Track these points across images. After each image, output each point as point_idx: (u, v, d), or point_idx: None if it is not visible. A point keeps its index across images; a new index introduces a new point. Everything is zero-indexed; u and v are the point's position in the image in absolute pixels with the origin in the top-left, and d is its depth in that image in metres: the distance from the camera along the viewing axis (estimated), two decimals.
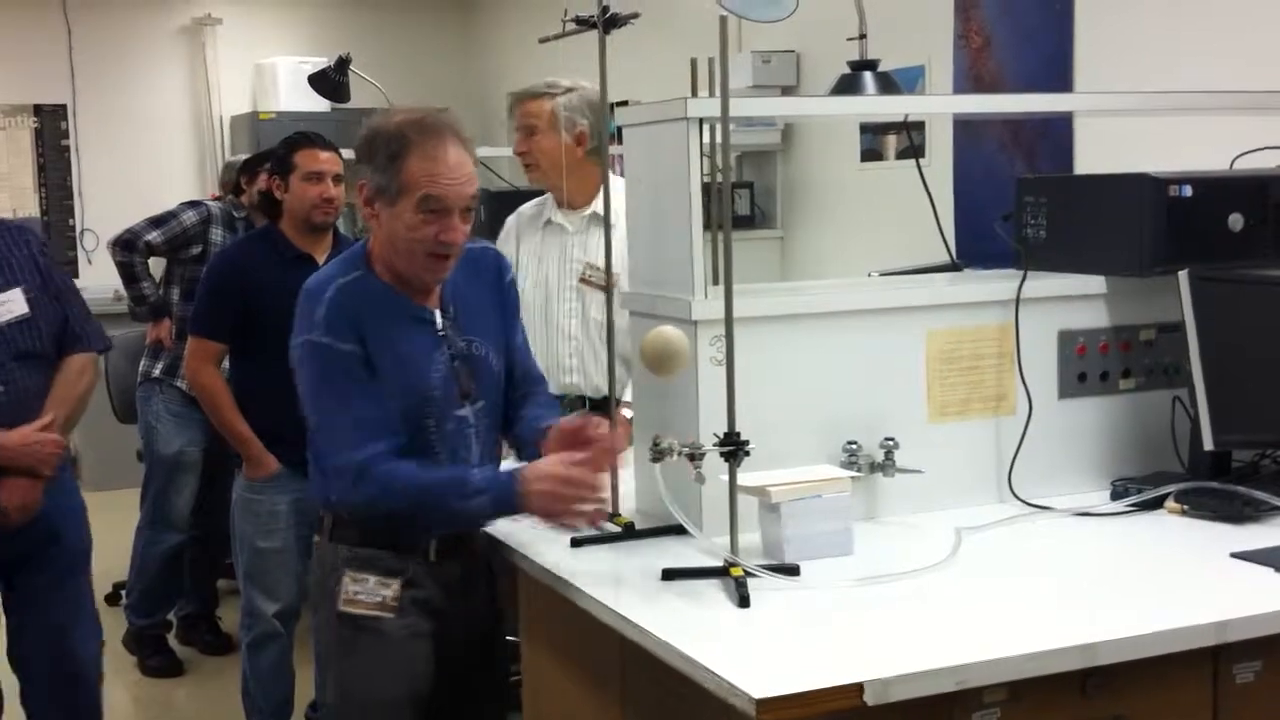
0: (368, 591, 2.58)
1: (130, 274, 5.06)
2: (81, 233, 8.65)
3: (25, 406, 3.18)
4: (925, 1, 4.99)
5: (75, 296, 3.43)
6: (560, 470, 2.37)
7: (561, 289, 3.62)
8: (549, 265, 3.66)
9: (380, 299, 2.51)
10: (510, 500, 2.40)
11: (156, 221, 5.04)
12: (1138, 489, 2.75)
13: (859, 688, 1.86)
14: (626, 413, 3.01)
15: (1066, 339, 2.87)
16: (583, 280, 3.57)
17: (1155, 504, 2.71)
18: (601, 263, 3.00)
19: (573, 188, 3.57)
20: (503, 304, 2.69)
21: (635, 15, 2.68)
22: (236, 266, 3.95)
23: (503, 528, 2.72)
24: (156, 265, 5.16)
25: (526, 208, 3.82)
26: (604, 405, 2.99)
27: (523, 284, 3.68)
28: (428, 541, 2.60)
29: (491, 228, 5.87)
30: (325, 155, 3.99)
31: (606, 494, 2.47)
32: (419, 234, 2.44)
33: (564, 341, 3.62)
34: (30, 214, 8.57)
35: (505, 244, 3.78)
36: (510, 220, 3.83)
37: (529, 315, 3.67)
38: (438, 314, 2.56)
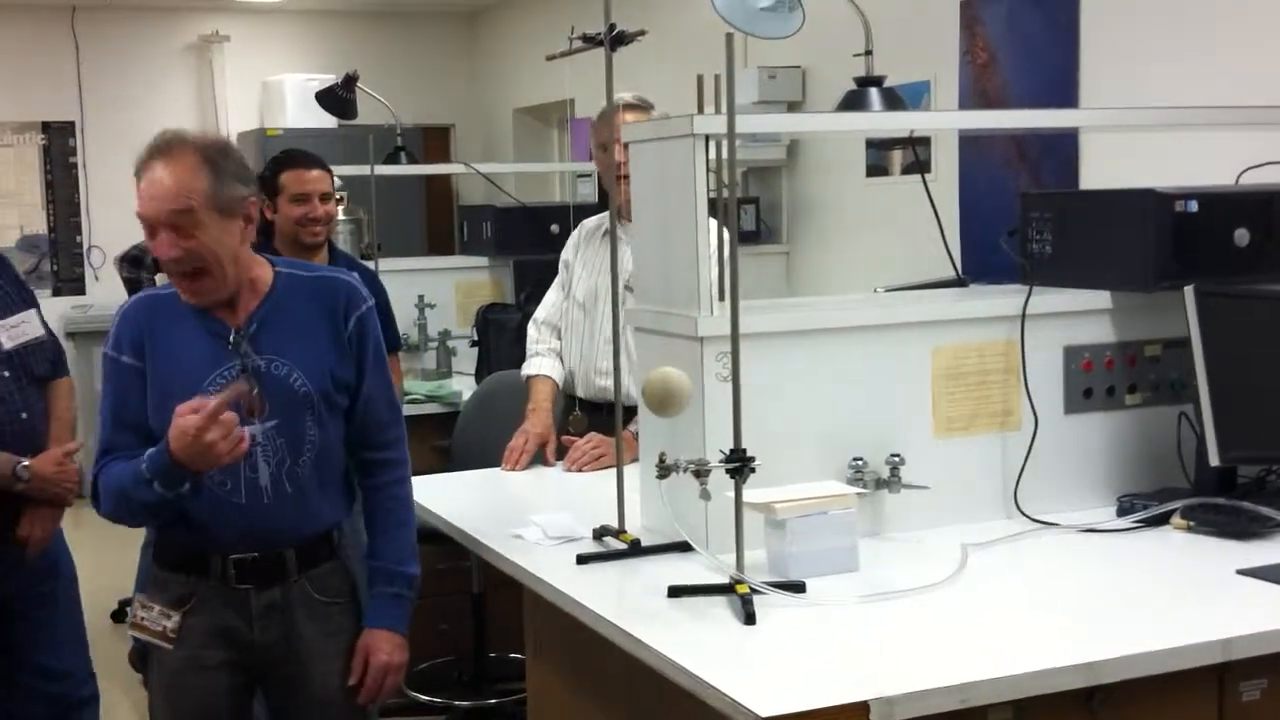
0: (151, 619, 2.55)
1: (137, 290, 5.05)
2: (89, 249, 8.67)
3: (39, 433, 3.16)
4: (930, 17, 5.00)
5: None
6: (188, 421, 2.31)
7: (608, 296, 3.64)
8: (600, 274, 3.69)
9: (176, 311, 2.51)
10: (167, 468, 2.36)
11: None
12: (1144, 505, 2.74)
13: (864, 706, 1.85)
14: (632, 428, 3.01)
15: (1072, 354, 2.87)
16: (627, 288, 3.60)
17: (1161, 520, 2.71)
18: None
19: None
20: (336, 338, 2.55)
21: (642, 32, 2.70)
22: None
23: (506, 546, 2.72)
24: (164, 280, 5.16)
25: (590, 221, 3.86)
26: (633, 410, 2.98)
27: (575, 292, 3.74)
28: (220, 564, 2.53)
29: (498, 243, 5.93)
30: (312, 174, 3.98)
31: (239, 429, 2.36)
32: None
33: (605, 347, 3.61)
34: (38, 231, 8.60)
35: (567, 253, 3.84)
36: (574, 233, 3.87)
37: (575, 322, 3.70)
38: (234, 330, 2.50)
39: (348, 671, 2.62)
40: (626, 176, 3.61)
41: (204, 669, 2.55)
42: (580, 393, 3.71)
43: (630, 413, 3.03)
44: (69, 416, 3.28)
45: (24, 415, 3.10)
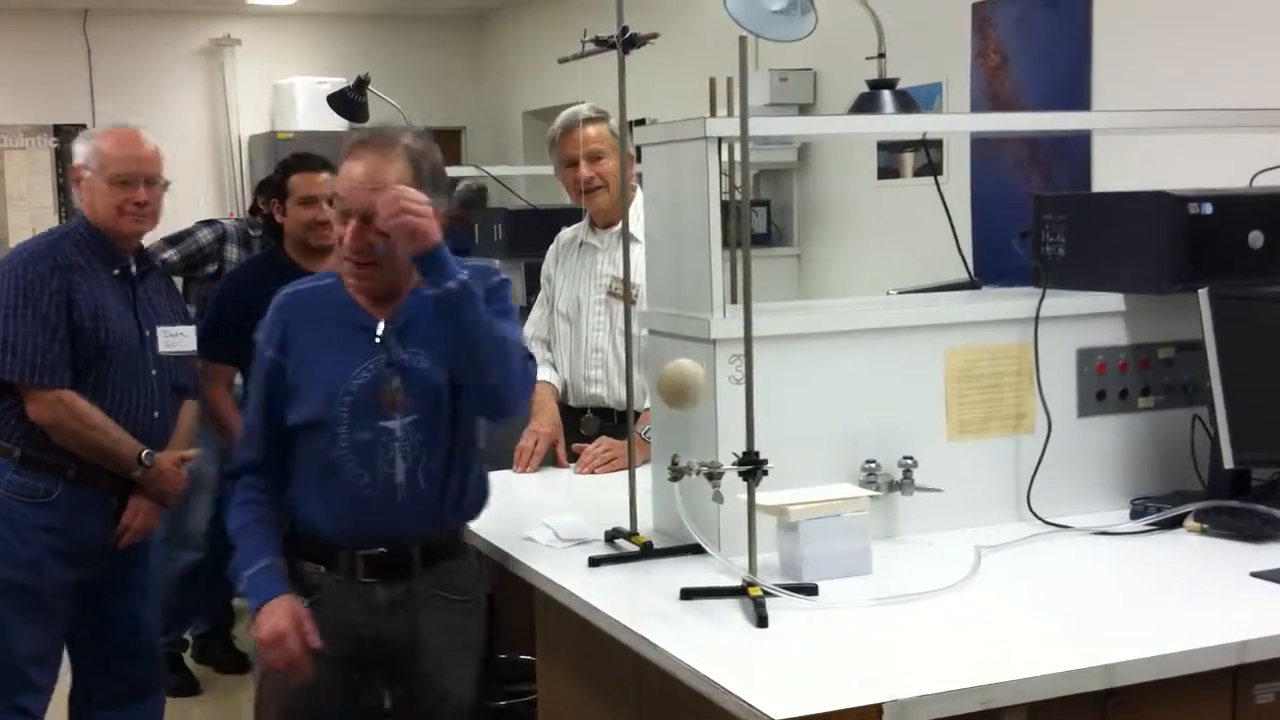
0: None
1: None
2: None
3: (164, 436, 3.34)
4: (942, 19, 5.00)
5: None
6: (283, 625, 2.47)
7: (590, 304, 3.67)
8: (580, 283, 3.72)
9: (325, 305, 2.58)
10: (250, 599, 2.53)
11: (173, 240, 5.06)
12: (1157, 508, 2.73)
13: (878, 709, 1.85)
14: (643, 431, 3.01)
15: (1085, 357, 2.86)
16: (610, 294, 3.62)
17: (1175, 523, 2.70)
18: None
19: (614, 206, 3.60)
20: None
21: (654, 35, 2.69)
22: (240, 289, 3.98)
23: (518, 548, 2.72)
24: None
25: (565, 232, 3.89)
26: (625, 416, 2.99)
27: (559, 303, 3.77)
28: (349, 558, 2.55)
29: (510, 245, 5.92)
30: (321, 177, 4.00)
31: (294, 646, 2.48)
32: None
33: (591, 354, 3.66)
34: None
35: (547, 267, 3.88)
36: (552, 247, 3.90)
37: (562, 334, 3.73)
38: (381, 323, 2.54)
39: (470, 672, 2.65)
40: (598, 188, 3.64)
41: (321, 661, 2.54)
42: (571, 402, 3.72)
43: (623, 418, 3.03)
44: (189, 430, 3.46)
45: (156, 414, 3.29)
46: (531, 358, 2.62)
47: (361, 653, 2.58)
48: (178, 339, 3.39)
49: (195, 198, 8.45)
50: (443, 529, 2.61)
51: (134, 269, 3.33)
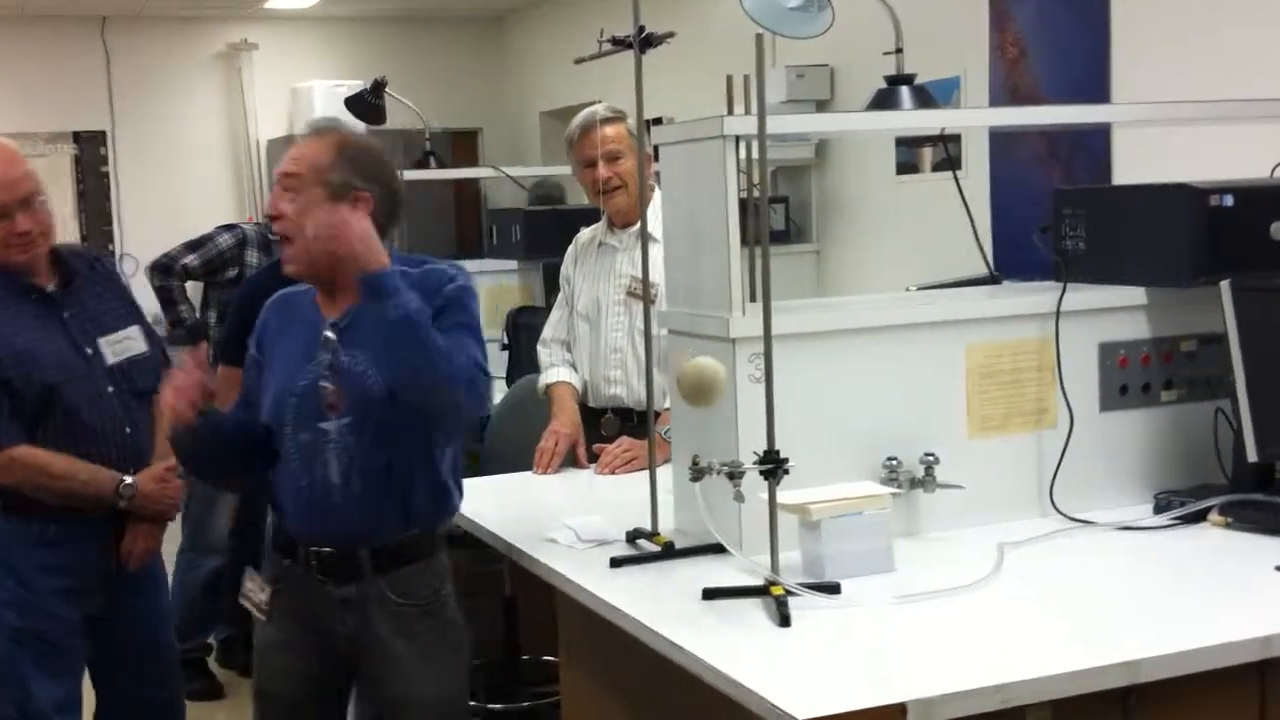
0: (253, 590, 2.69)
1: (168, 298, 5.09)
2: (120, 257, 8.71)
3: (144, 448, 3.14)
4: (960, 13, 4.98)
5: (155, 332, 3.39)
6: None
7: (609, 304, 3.67)
8: (600, 283, 3.72)
9: (298, 307, 2.67)
10: None
11: (192, 245, 5.08)
12: (1181, 502, 2.72)
13: (902, 708, 1.84)
14: (663, 431, 3.01)
15: (1107, 351, 2.85)
16: (629, 294, 3.62)
17: (1199, 517, 2.68)
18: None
19: (633, 206, 3.60)
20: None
21: (671, 34, 2.68)
22: (259, 295, 3.97)
23: (539, 550, 2.72)
24: (195, 289, 5.19)
25: (584, 233, 3.88)
26: (645, 417, 2.98)
27: (578, 304, 3.77)
28: (305, 554, 2.60)
29: (528, 245, 5.93)
30: None
31: None
32: None
33: (610, 355, 3.66)
34: (70, 240, 8.64)
35: (566, 267, 3.87)
36: (570, 248, 3.90)
37: (582, 335, 3.73)
38: (328, 325, 2.57)
39: (427, 674, 2.62)
40: (618, 188, 3.64)
41: (284, 648, 2.66)
42: (591, 403, 3.71)
43: (643, 418, 3.03)
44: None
45: (128, 430, 3.08)
46: (486, 373, 2.56)
47: (323, 648, 2.64)
48: (124, 344, 3.14)
49: (214, 203, 8.49)
50: (390, 534, 2.59)
51: (51, 287, 3.07)
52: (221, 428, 2.63)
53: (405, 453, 2.56)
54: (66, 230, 8.64)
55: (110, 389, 3.06)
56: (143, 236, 8.33)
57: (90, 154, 8.69)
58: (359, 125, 6.31)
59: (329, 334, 2.56)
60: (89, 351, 3.05)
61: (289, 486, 2.60)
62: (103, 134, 8.68)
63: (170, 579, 4.93)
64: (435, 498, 2.65)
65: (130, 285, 3.50)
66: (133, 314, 3.23)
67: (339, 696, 2.72)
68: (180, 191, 8.51)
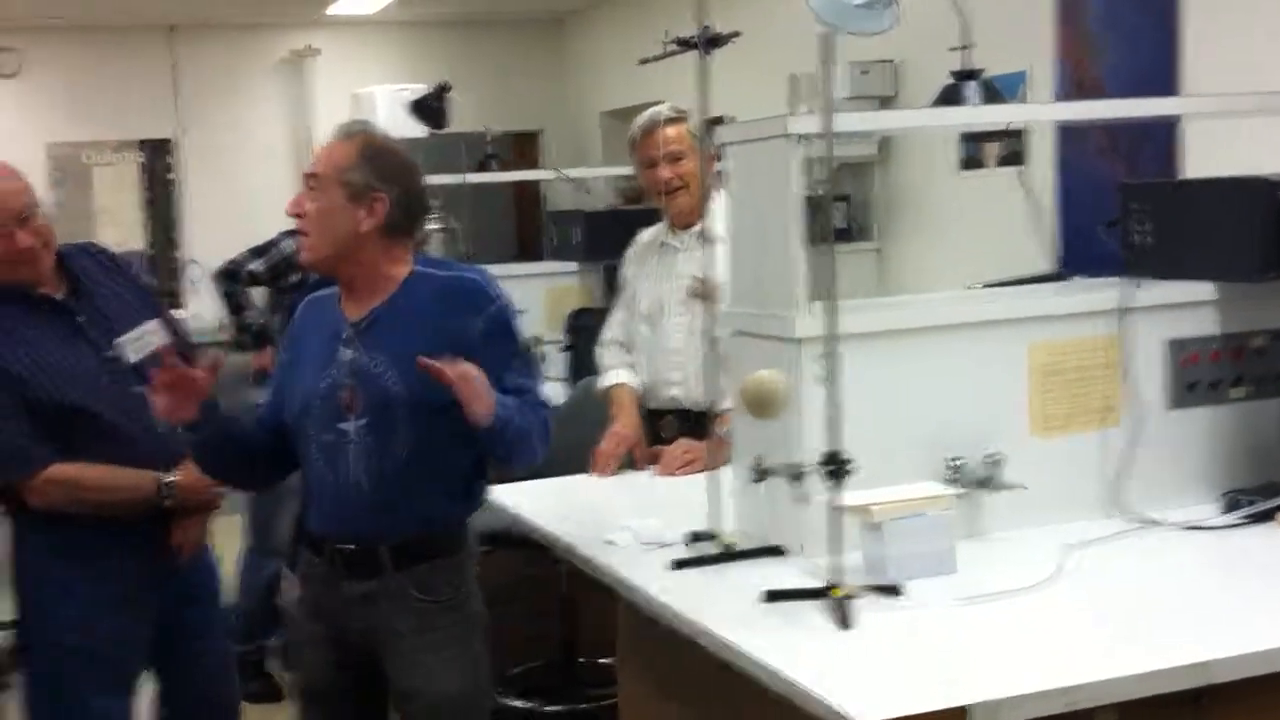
0: (288, 587, 2.81)
1: (234, 304, 5.15)
2: (187, 263, 8.83)
3: (178, 441, 3.00)
4: (1026, 6, 4.91)
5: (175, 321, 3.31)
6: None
7: (670, 305, 3.66)
8: (661, 284, 3.71)
9: (325, 310, 2.71)
10: None
11: (258, 251, 5.12)
12: (1250, 500, 2.66)
13: (964, 711, 1.82)
14: (722, 432, 2.99)
15: (1175, 348, 2.80)
16: (691, 294, 3.60)
17: (1267, 516, 2.63)
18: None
19: (694, 207, 3.60)
20: (451, 341, 2.51)
21: (736, 34, 2.66)
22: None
23: (598, 552, 2.71)
24: (260, 294, 5.24)
25: (645, 234, 3.87)
26: (705, 418, 2.97)
27: (639, 306, 3.75)
28: (329, 550, 2.66)
29: (588, 247, 5.93)
30: None
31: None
32: None
33: (670, 356, 3.65)
34: (137, 246, 8.77)
35: (627, 268, 3.87)
36: (630, 249, 3.89)
37: (643, 336, 3.71)
38: (348, 327, 2.62)
39: (448, 669, 2.64)
40: (679, 189, 3.62)
41: (315, 645, 2.74)
42: (650, 404, 3.70)
43: (701, 419, 3.01)
44: None
45: (160, 428, 2.96)
46: (548, 407, 2.71)
47: (345, 640, 2.69)
48: (144, 340, 3.02)
49: (278, 208, 8.56)
50: (410, 531, 2.62)
51: (60, 295, 2.96)
52: (229, 429, 2.68)
53: (426, 452, 2.59)
54: (133, 237, 8.78)
55: (137, 389, 2.93)
56: (208, 242, 8.42)
57: (157, 161, 8.80)
58: (418, 130, 6.36)
59: (346, 339, 2.61)
60: (109, 354, 2.97)
61: (315, 485, 2.67)
62: (168, 142, 8.79)
63: (235, 580, 5.02)
64: (456, 496, 2.68)
65: (141, 271, 3.43)
66: (148, 305, 3.15)
67: (376, 688, 2.74)
68: (244, 197, 8.58)
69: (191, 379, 2.54)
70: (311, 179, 2.62)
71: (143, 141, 8.75)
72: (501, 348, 2.60)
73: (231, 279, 5.11)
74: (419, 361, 2.40)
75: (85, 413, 2.88)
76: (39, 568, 2.95)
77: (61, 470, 2.86)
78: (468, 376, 2.42)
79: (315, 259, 2.64)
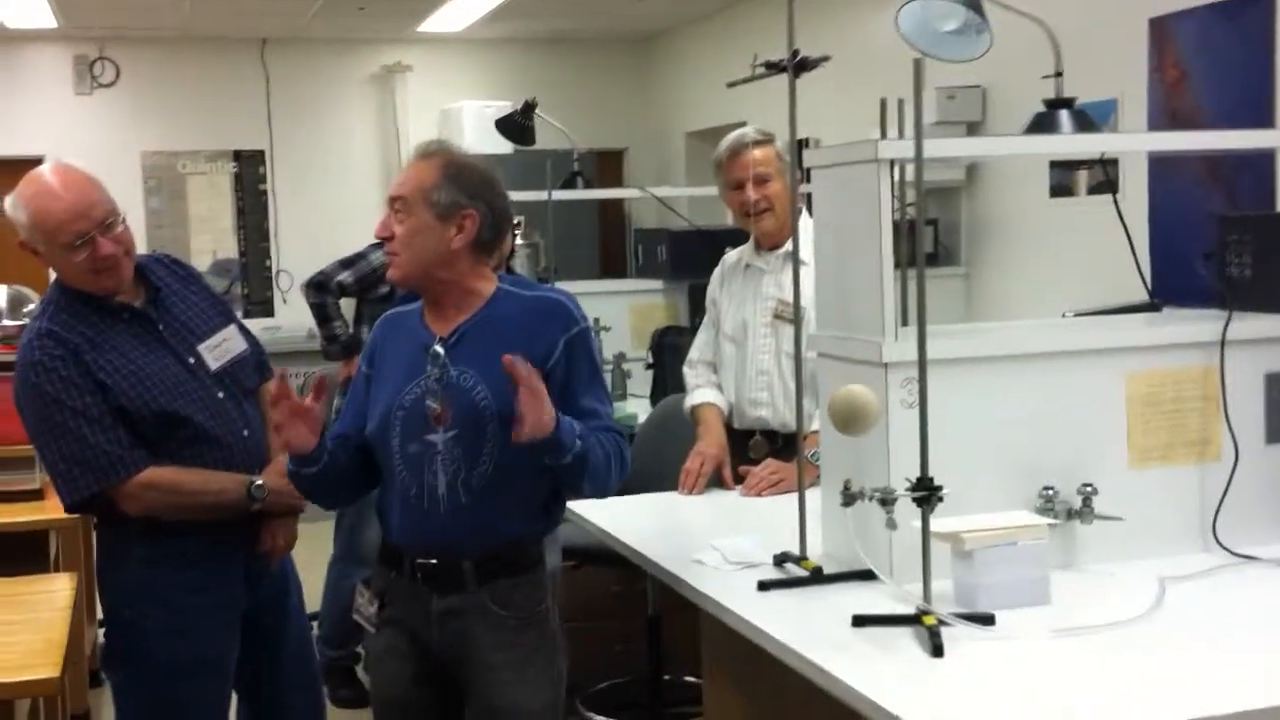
0: (363, 605, 2.77)
1: (323, 314, 5.21)
2: (277, 273, 8.96)
3: (263, 445, 3.09)
4: (1118, 33, 4.87)
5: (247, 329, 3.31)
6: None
7: (756, 326, 3.67)
8: (747, 305, 3.72)
9: (408, 325, 2.74)
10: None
11: (347, 263, 5.18)
12: None
13: None
14: (810, 455, 2.99)
15: (1275, 382, 2.76)
16: (776, 316, 3.62)
17: None
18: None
19: (780, 228, 3.59)
20: (537, 359, 2.53)
21: (826, 58, 2.67)
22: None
23: (686, 570, 2.71)
24: (348, 305, 5.30)
25: (731, 254, 3.89)
26: (792, 440, 2.97)
27: (725, 326, 3.78)
28: (409, 565, 2.66)
29: (674, 266, 5.95)
30: None
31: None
32: None
33: (756, 377, 3.66)
34: (230, 255, 8.92)
35: (713, 289, 3.88)
36: (717, 270, 3.91)
37: (728, 356, 3.73)
38: (436, 339, 2.64)
39: (523, 685, 2.65)
40: (765, 210, 3.63)
41: (392, 656, 2.73)
42: (736, 424, 3.71)
43: (788, 441, 3.00)
44: None
45: (246, 433, 3.03)
46: (621, 434, 2.68)
47: (428, 655, 2.69)
48: (224, 347, 3.06)
49: (366, 221, 8.67)
50: (493, 545, 2.63)
51: (140, 303, 2.98)
52: (334, 456, 2.69)
53: (510, 467, 2.60)
54: (226, 246, 8.93)
55: (220, 394, 3.00)
56: (298, 253, 8.56)
57: (250, 172, 8.95)
58: (505, 146, 6.42)
59: (437, 350, 2.63)
60: (191, 361, 2.98)
61: (396, 498, 2.66)
62: (261, 153, 8.93)
63: (323, 587, 5.08)
64: (537, 512, 2.69)
65: (235, 277, 3.43)
66: (224, 313, 3.17)
67: (453, 702, 2.74)
68: (334, 210, 8.70)
69: (307, 409, 2.58)
70: (397, 201, 2.63)
71: (236, 152, 8.90)
72: (582, 370, 2.63)
73: (321, 290, 5.17)
74: (504, 358, 2.42)
75: (175, 418, 2.90)
76: (135, 578, 2.95)
77: (157, 475, 2.88)
78: (537, 390, 2.43)
79: (406, 277, 2.66)
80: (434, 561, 2.64)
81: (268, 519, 3.05)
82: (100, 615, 3.16)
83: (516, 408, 2.41)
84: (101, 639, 3.19)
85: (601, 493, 2.67)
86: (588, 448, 2.54)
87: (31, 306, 5.37)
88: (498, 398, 2.56)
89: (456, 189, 2.60)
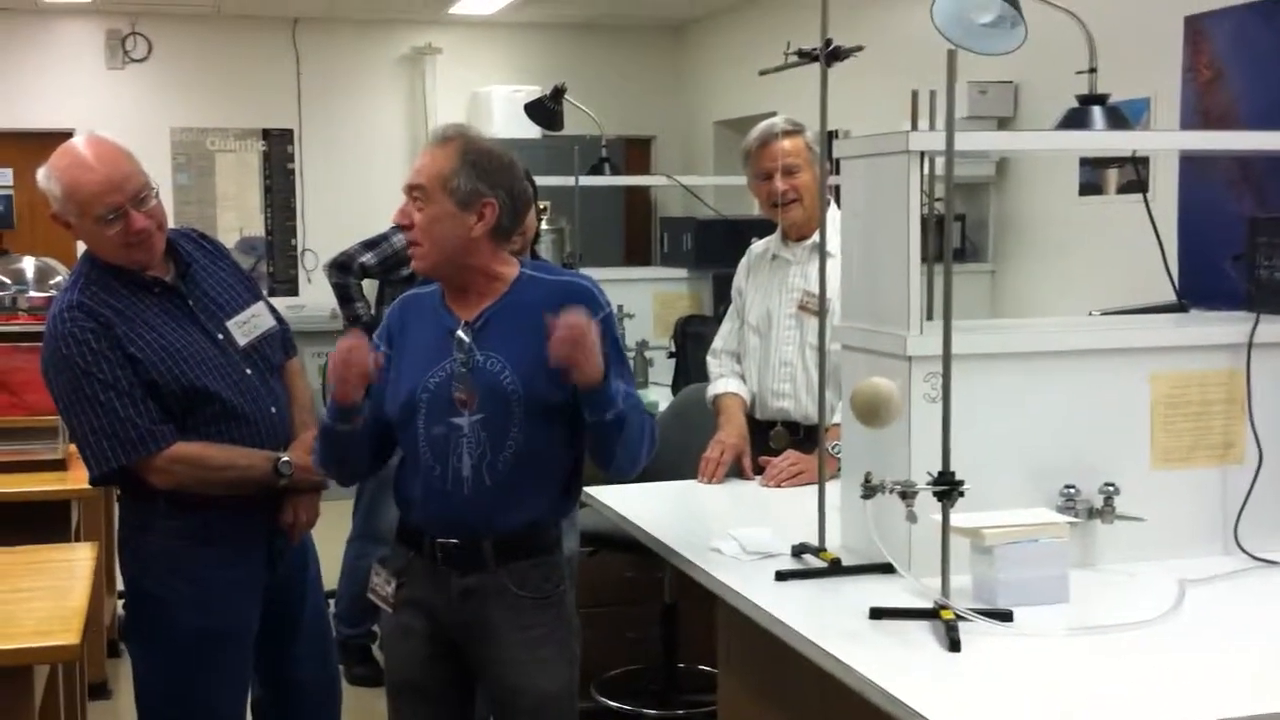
0: (380, 584, 2.77)
1: (345, 295, 5.22)
2: (303, 252, 8.99)
3: (289, 422, 3.10)
4: (1152, 32, 4.84)
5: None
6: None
7: (781, 317, 3.66)
8: (772, 296, 3.71)
9: (428, 307, 2.73)
10: (331, 401, 2.64)
11: (370, 244, 5.19)
12: None
13: None
14: (832, 447, 2.98)
15: None
16: (801, 307, 3.61)
17: None
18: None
19: (808, 220, 3.59)
20: None
21: (859, 48, 2.66)
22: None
23: (704, 559, 2.71)
24: (370, 286, 5.31)
25: (757, 245, 3.88)
26: (813, 431, 2.96)
27: (749, 317, 3.77)
28: (430, 545, 2.67)
29: (698, 255, 5.94)
30: None
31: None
32: None
33: (779, 368, 3.65)
34: (256, 233, 8.95)
35: (738, 279, 3.88)
36: (743, 260, 3.90)
37: (752, 347, 3.72)
38: (461, 324, 2.64)
39: (539, 666, 2.67)
40: (793, 201, 3.61)
41: (409, 635, 2.74)
42: (758, 414, 3.70)
43: (810, 433, 2.99)
44: (307, 397, 3.23)
45: (273, 409, 3.03)
46: (651, 415, 2.70)
47: (445, 635, 2.71)
48: (252, 323, 3.06)
49: (392, 203, 8.67)
50: (514, 526, 2.65)
51: (170, 277, 2.98)
52: (359, 430, 2.69)
53: (534, 450, 2.62)
54: (253, 224, 8.96)
55: (248, 371, 2.99)
56: (324, 232, 8.58)
57: (278, 151, 8.97)
58: (533, 131, 6.41)
59: (462, 335, 2.63)
60: (220, 337, 2.98)
61: (418, 479, 2.67)
62: (290, 132, 8.95)
63: (340, 565, 5.10)
64: (559, 494, 2.71)
65: (261, 255, 3.43)
66: (251, 289, 3.17)
67: (466, 682, 2.78)
68: (361, 190, 8.72)
69: (358, 357, 2.58)
70: (416, 190, 2.61)
71: (265, 130, 8.93)
72: (608, 354, 2.60)
73: (343, 270, 5.18)
74: (548, 320, 2.44)
75: (204, 393, 2.90)
76: (158, 551, 2.96)
77: (186, 449, 2.88)
78: (590, 340, 2.44)
79: (429, 267, 2.66)
80: (455, 541, 2.66)
81: (291, 495, 3.05)
82: (120, 587, 3.18)
83: (562, 351, 2.43)
84: (121, 610, 3.20)
85: (632, 465, 2.67)
86: (628, 410, 2.56)
87: (59, 279, 5.42)
88: (524, 382, 2.58)
89: (476, 176, 2.59)
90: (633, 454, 2.64)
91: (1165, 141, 4.12)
